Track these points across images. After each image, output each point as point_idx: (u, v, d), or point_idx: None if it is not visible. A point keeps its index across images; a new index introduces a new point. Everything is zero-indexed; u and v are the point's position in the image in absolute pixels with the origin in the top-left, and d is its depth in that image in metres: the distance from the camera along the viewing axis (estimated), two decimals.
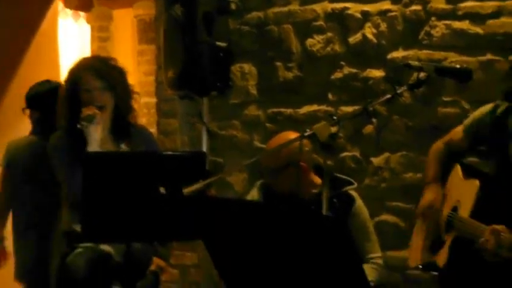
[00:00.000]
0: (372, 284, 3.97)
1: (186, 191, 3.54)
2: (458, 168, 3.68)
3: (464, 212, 3.39)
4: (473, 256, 3.19)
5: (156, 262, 4.40)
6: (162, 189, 3.68)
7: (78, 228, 3.99)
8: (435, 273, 3.65)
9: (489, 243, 3.11)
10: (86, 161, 3.73)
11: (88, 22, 7.84)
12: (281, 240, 2.71)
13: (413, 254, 3.81)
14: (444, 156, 3.79)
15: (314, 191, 4.10)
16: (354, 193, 4.32)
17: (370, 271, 4.11)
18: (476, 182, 3.43)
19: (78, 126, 4.18)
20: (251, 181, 5.06)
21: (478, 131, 3.67)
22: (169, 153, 4.65)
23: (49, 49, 6.50)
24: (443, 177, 3.78)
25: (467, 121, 3.77)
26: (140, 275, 4.29)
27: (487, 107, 3.65)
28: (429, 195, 3.71)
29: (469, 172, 3.61)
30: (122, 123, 4.32)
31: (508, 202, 3.35)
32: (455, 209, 3.50)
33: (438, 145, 3.86)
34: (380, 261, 4.26)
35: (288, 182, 4.03)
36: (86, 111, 4.18)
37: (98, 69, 4.35)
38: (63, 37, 6.94)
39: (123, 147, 4.25)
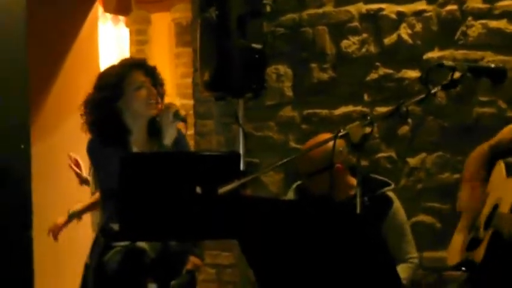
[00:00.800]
0: (404, 281, 3.96)
1: (221, 190, 3.55)
2: (502, 167, 3.62)
3: (505, 207, 3.34)
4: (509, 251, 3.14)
5: (193, 261, 4.41)
6: (197, 189, 3.70)
7: (115, 226, 4.02)
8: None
9: None
10: (123, 161, 3.74)
11: (127, 26, 7.88)
12: (314, 240, 2.70)
13: (452, 253, 3.78)
14: (484, 158, 3.75)
15: (351, 192, 4.11)
16: (391, 194, 4.31)
17: (404, 269, 4.10)
18: None
19: (158, 119, 4.22)
20: (287, 182, 5.06)
21: None
22: (205, 153, 4.64)
23: (89, 53, 6.54)
24: (484, 179, 3.74)
25: None
26: (175, 274, 4.31)
27: None
28: (467, 193, 3.65)
29: (510, 170, 3.57)
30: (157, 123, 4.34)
31: None
32: (496, 207, 3.45)
33: (482, 148, 3.80)
34: (416, 260, 4.26)
35: (323, 184, 4.02)
36: (173, 107, 4.21)
37: (147, 68, 4.39)
38: (103, 41, 6.98)
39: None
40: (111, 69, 4.46)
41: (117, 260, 4.15)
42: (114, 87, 4.34)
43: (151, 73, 4.36)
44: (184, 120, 4.14)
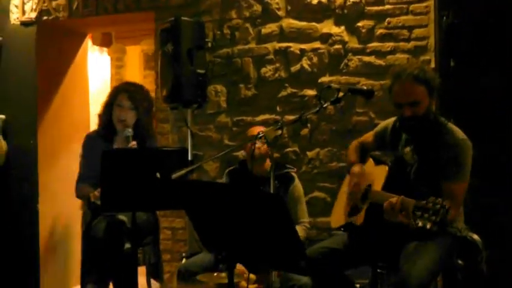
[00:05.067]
0: (301, 239, 3.99)
1: (174, 175, 3.53)
2: (370, 159, 3.67)
3: (377, 187, 3.37)
4: (381, 217, 3.17)
5: None
6: (158, 174, 3.66)
7: (98, 202, 3.97)
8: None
9: (391, 205, 3.09)
10: (105, 154, 3.70)
11: (109, 54, 7.78)
12: (239, 210, 2.71)
13: (335, 218, 3.80)
14: (359, 150, 3.79)
15: (267, 171, 4.17)
16: (294, 174, 4.35)
17: (300, 230, 4.14)
18: (386, 167, 3.42)
19: (125, 133, 4.21)
20: (222, 168, 5.04)
21: (383, 136, 3.67)
22: (163, 148, 4.61)
23: (81, 74, 6.42)
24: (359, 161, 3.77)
25: (376, 128, 3.76)
26: (143, 236, 4.27)
27: (390, 121, 3.65)
28: (358, 168, 3.65)
29: (377, 161, 3.61)
30: (140, 134, 4.30)
31: (402, 182, 3.36)
32: (369, 186, 3.48)
33: (355, 142, 3.85)
34: (307, 224, 4.30)
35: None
36: (127, 131, 4.21)
37: (130, 93, 4.34)
38: (91, 65, 6.88)
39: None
40: (111, 90, 4.56)
41: (102, 225, 4.11)
42: (109, 102, 4.35)
43: (134, 98, 4.32)
44: (128, 141, 4.17)
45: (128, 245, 4.03)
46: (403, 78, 3.31)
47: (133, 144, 4.16)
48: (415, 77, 3.29)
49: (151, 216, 4.38)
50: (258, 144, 4.11)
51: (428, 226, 2.81)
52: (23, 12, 5.86)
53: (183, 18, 4.58)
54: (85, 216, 4.36)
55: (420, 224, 2.84)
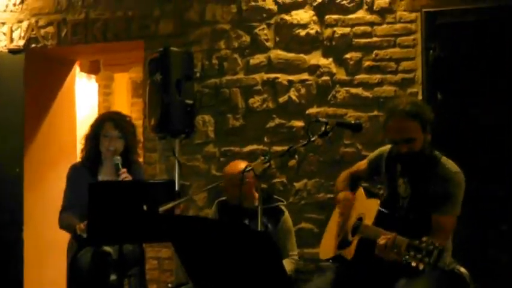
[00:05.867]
0: (289, 273, 3.96)
1: (161, 208, 3.51)
2: (361, 190, 3.64)
3: (369, 221, 3.35)
4: (372, 253, 3.15)
5: None
6: (144, 207, 3.64)
7: (84, 234, 3.93)
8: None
9: (385, 243, 3.07)
10: (91, 187, 3.67)
11: (96, 81, 7.78)
12: (226, 245, 2.69)
13: (324, 250, 3.77)
14: (348, 180, 3.77)
15: (255, 203, 4.12)
16: (283, 208, 4.33)
17: (288, 264, 4.11)
18: (378, 201, 3.40)
19: (114, 160, 4.18)
20: (209, 199, 5.02)
21: (377, 165, 3.64)
22: (150, 181, 4.58)
23: (69, 100, 6.41)
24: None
25: (370, 156, 3.73)
26: (129, 267, 4.23)
27: (385, 148, 3.62)
28: (343, 194, 3.64)
29: (369, 193, 3.59)
30: (127, 160, 4.27)
31: (393, 217, 3.35)
32: (360, 219, 3.46)
33: (344, 173, 3.83)
34: (296, 257, 4.28)
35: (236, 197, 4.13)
36: (116, 159, 4.19)
37: (116, 121, 4.32)
38: (79, 92, 6.87)
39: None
40: (95, 119, 4.50)
41: (88, 257, 4.07)
42: (93, 133, 4.32)
43: (120, 126, 4.30)
44: (118, 169, 4.13)
45: (113, 277, 3.99)
46: (396, 114, 3.31)
47: (123, 171, 4.13)
48: (407, 113, 3.28)
49: (137, 247, 4.34)
50: (247, 177, 4.09)
51: (421, 267, 2.80)
52: (11, 40, 5.86)
53: (172, 48, 4.60)
54: (71, 247, 4.31)
55: (413, 264, 2.83)
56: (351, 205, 3.56)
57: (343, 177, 3.80)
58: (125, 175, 4.13)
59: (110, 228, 3.64)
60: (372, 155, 3.73)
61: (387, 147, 3.62)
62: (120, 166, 4.15)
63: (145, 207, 3.60)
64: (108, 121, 4.34)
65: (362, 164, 3.77)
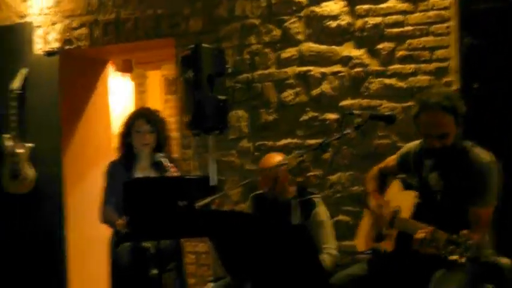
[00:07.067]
0: (328, 268, 3.95)
1: (198, 204, 3.55)
2: (398, 182, 3.64)
3: (406, 214, 3.34)
4: (409, 246, 3.12)
5: None
6: (180, 203, 3.67)
7: (124, 230, 4.02)
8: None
9: (423, 237, 3.04)
10: (127, 184, 3.73)
11: (131, 80, 7.85)
12: (263, 239, 2.70)
13: (360, 242, 3.77)
14: (378, 177, 3.77)
15: (290, 196, 4.10)
16: (317, 200, 4.31)
17: (326, 259, 4.09)
18: (415, 193, 3.39)
19: (156, 158, 4.28)
20: (244, 193, 5.04)
21: (406, 160, 3.61)
22: (186, 177, 4.61)
23: (103, 100, 6.50)
24: (378, 190, 3.75)
25: (399, 152, 3.70)
26: (168, 262, 4.29)
27: (413, 144, 3.60)
28: (375, 200, 3.64)
29: (406, 185, 3.57)
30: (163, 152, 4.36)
31: (429, 209, 3.33)
32: (397, 212, 3.44)
33: (374, 169, 3.82)
34: (333, 251, 4.24)
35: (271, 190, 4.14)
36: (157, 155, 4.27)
37: (147, 116, 4.41)
38: (113, 91, 6.94)
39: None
40: (127, 116, 4.61)
41: (127, 252, 4.15)
42: (126, 129, 4.41)
43: (152, 121, 4.39)
44: (163, 167, 4.21)
45: (153, 271, 4.06)
46: (430, 108, 3.24)
47: (172, 167, 4.18)
48: (443, 107, 3.21)
49: (175, 242, 4.40)
50: (280, 172, 4.09)
51: (460, 261, 2.79)
52: (46, 43, 5.95)
53: (203, 45, 4.61)
54: (112, 242, 4.40)
55: (452, 258, 2.81)
56: (385, 208, 3.55)
57: (372, 175, 3.80)
58: (173, 169, 4.20)
59: (148, 224, 3.69)
60: (401, 151, 3.70)
61: (415, 143, 3.59)
62: (166, 163, 4.20)
63: (181, 203, 3.64)
64: (140, 117, 4.45)
65: (391, 160, 3.75)
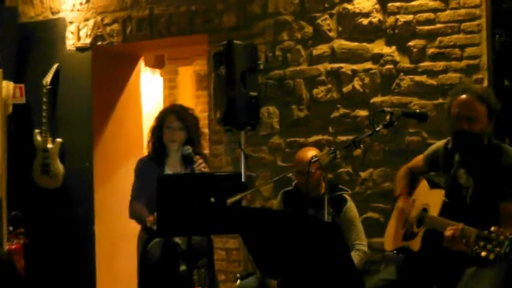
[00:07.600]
0: (358, 266, 3.97)
1: (229, 201, 3.59)
2: (424, 181, 3.65)
3: (434, 212, 3.35)
4: (438, 243, 3.15)
5: None
6: (212, 199, 3.71)
7: (154, 227, 4.05)
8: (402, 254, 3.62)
9: (453, 234, 3.05)
10: (160, 180, 3.77)
11: (161, 76, 7.92)
12: (294, 237, 2.73)
13: (389, 241, 3.78)
14: (407, 177, 3.78)
15: (321, 192, 4.17)
16: (347, 196, 4.34)
17: (355, 257, 4.10)
18: (442, 191, 3.40)
19: (183, 151, 4.33)
20: (275, 189, 5.07)
21: (434, 159, 3.63)
22: (217, 174, 4.65)
23: (135, 95, 6.57)
24: (407, 190, 3.76)
25: (427, 152, 3.72)
26: (198, 257, 4.32)
27: (441, 143, 3.61)
28: (401, 203, 3.67)
29: (432, 184, 3.58)
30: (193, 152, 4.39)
31: (458, 207, 3.33)
32: (425, 210, 3.46)
33: (403, 168, 3.83)
34: (363, 247, 4.26)
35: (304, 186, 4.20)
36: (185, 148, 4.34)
37: (178, 113, 4.46)
38: (144, 86, 7.01)
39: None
40: (159, 112, 4.67)
41: (158, 248, 4.18)
42: (157, 125, 4.47)
43: (182, 117, 4.43)
44: (191, 159, 4.29)
45: (183, 267, 4.09)
46: (464, 93, 3.31)
47: (200, 161, 4.22)
48: (479, 96, 3.28)
49: (206, 238, 4.44)
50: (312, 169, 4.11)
51: (491, 257, 2.78)
52: (78, 38, 6.03)
53: (235, 42, 4.65)
54: (141, 238, 4.45)
55: (483, 254, 2.81)
56: (412, 208, 3.56)
57: (401, 175, 3.81)
58: (202, 165, 4.24)
59: (179, 220, 3.74)
60: (428, 150, 3.71)
61: (442, 142, 3.60)
62: (193, 155, 4.25)
63: (212, 200, 3.68)
64: (171, 113, 4.50)
65: (419, 160, 3.76)
